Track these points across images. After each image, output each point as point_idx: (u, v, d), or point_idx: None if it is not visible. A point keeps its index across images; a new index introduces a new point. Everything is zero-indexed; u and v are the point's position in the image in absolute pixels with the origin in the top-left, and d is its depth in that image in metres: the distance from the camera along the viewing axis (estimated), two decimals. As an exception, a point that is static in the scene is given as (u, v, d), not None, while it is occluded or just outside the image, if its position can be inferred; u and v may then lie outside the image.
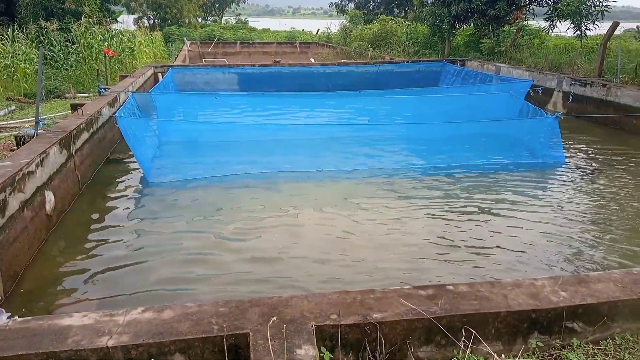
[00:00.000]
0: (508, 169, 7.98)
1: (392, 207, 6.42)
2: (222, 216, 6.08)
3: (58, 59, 18.08)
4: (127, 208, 6.33)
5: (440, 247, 5.33)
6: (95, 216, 6.03)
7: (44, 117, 9.30)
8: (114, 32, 18.98)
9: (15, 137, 6.17)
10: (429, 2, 20.00)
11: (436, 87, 15.56)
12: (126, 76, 12.55)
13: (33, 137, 5.91)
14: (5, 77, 15.36)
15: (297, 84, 15.63)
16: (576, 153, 9.02)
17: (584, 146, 9.50)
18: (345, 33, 27.75)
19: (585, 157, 8.83)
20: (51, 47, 18.40)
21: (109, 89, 9.96)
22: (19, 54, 16.20)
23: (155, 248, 5.27)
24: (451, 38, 19.34)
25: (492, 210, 6.36)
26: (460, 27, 19.65)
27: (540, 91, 10.49)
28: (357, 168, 7.83)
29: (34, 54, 16.97)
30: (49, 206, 5.31)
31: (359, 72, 16.20)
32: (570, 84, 12.01)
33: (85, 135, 7.03)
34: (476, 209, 6.40)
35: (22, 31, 18.53)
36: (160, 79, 14.05)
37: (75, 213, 6.07)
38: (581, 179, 7.60)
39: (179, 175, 7.38)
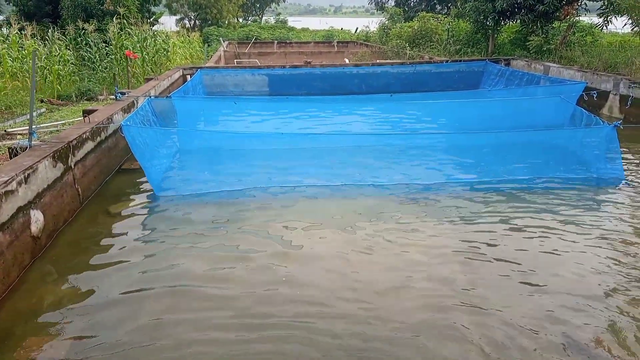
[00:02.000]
0: (558, 184, 7.04)
1: (424, 231, 5.64)
2: (234, 238, 5.48)
3: (95, 60, 18.11)
4: (130, 226, 5.81)
5: (483, 279, 4.53)
6: (93, 236, 5.53)
7: (50, 124, 9.02)
8: (147, 33, 18.74)
9: (9, 148, 5.77)
10: (473, -3, 18.85)
11: (477, 89, 14.51)
12: (151, 79, 12.17)
13: (26, 149, 5.47)
14: (38, 78, 15.34)
15: (329, 85, 14.95)
16: (637, 167, 7.91)
17: (646, 159, 8.36)
18: (384, 31, 26.79)
19: (648, 171, 7.73)
20: (88, 49, 18.46)
21: (127, 92, 9.56)
22: (55, 55, 16.21)
23: (153, 276, 4.72)
24: (495, 35, 18.14)
25: (540, 235, 5.52)
26: (505, 24, 18.40)
27: (595, 95, 9.38)
28: (385, 183, 7.07)
29: (70, 55, 17.02)
30: (35, 227, 4.84)
31: (394, 72, 15.30)
32: (630, 87, 10.77)
33: (89, 145, 6.57)
34: (523, 233, 5.58)
35: (62, 32, 18.63)
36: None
37: (71, 232, 5.59)
38: (644, 198, 6.57)
39: (191, 188, 6.83)
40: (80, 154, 6.19)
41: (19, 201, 4.58)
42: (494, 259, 5.00)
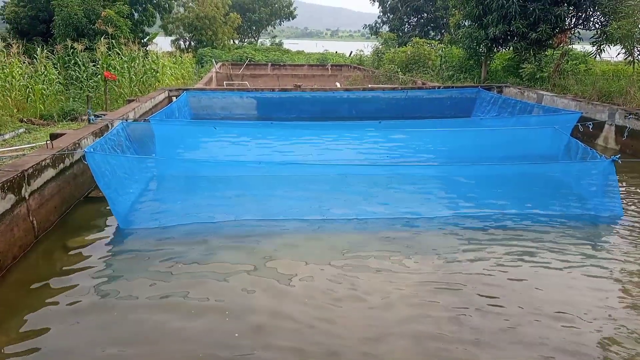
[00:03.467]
0: (553, 221, 6.60)
1: (411, 273, 5.18)
2: (201, 281, 4.95)
3: (82, 80, 17.76)
4: (88, 265, 5.25)
5: (474, 330, 4.03)
6: (45, 276, 4.98)
7: (18, 147, 8.56)
8: (136, 53, 18.43)
9: (-46, 178, 5.28)
10: (466, 24, 18.74)
11: (469, 116, 14.20)
12: (132, 100, 11.75)
13: (-28, 179, 4.99)
14: (20, 97, 14.90)
15: (319, 109, 14.59)
16: (635, 204, 7.50)
17: (645, 194, 7.95)
18: (378, 56, 26.71)
19: (648, 208, 7.31)
20: (77, 68, 18.13)
21: (102, 115, 9.11)
22: (40, 74, 15.83)
23: (107, 327, 4.21)
24: (488, 62, 17.97)
25: (534, 279, 5.06)
26: (498, 51, 18.25)
27: (591, 126, 9.03)
28: (369, 217, 6.61)
29: (55, 74, 16.67)
30: (-28, 268, 4.33)
31: (385, 98, 15.00)
32: (626, 117, 10.45)
33: (50, 173, 6.09)
34: (514, 275, 5.11)
35: (51, 51, 18.31)
36: (175, 103, 13.28)
37: (21, 271, 5.06)
38: (645, 239, 6.14)
39: (160, 221, 6.33)
40: (37, 183, 5.70)
41: (-49, 240, 4.09)
42: (484, 304, 4.53)
